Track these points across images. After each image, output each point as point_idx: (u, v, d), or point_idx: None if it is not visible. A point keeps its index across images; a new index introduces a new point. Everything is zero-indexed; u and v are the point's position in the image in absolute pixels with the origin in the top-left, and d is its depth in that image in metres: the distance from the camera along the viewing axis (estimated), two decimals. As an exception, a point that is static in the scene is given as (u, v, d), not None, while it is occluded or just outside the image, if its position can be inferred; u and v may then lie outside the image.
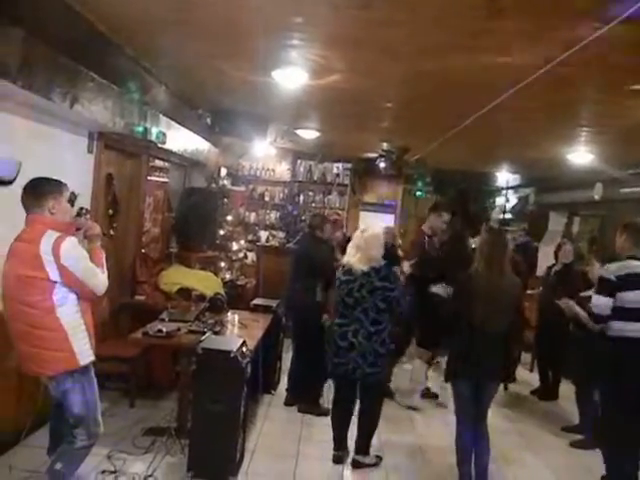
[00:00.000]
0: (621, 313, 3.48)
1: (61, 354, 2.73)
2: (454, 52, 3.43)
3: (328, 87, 4.56)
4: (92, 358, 2.88)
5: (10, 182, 3.36)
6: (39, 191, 2.77)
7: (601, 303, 3.54)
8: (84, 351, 2.80)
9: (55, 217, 2.77)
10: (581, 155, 6.56)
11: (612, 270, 3.55)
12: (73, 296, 2.78)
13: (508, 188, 10.55)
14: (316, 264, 4.79)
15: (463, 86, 4.19)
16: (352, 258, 3.86)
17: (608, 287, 3.52)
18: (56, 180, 2.88)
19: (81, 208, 3.13)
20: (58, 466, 2.84)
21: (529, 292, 5.87)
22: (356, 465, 3.91)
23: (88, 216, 3.08)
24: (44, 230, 2.69)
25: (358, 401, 3.98)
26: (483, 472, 3.51)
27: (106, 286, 2.91)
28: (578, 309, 4.11)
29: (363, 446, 3.94)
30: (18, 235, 2.76)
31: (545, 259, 6.77)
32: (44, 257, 2.63)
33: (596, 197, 7.46)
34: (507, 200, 10.64)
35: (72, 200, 4.22)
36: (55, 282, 2.67)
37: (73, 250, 2.71)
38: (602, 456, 3.66)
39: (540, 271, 6.64)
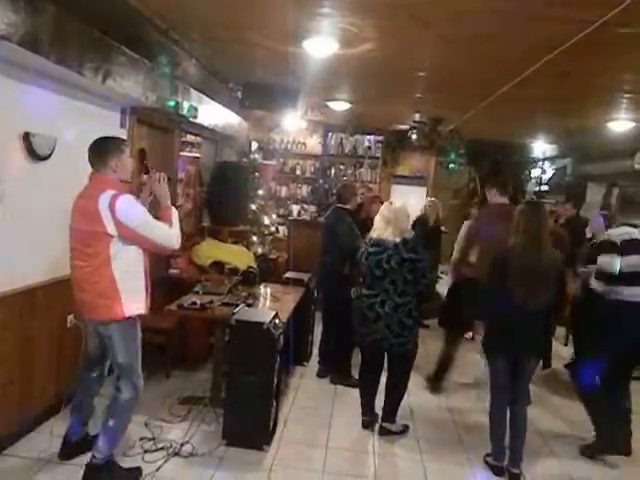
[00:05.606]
0: (625, 277, 3.64)
1: (110, 302, 2.85)
2: (489, 17, 3.31)
3: (359, 57, 4.47)
4: (140, 311, 2.97)
5: (46, 158, 3.43)
6: (102, 150, 2.92)
7: (614, 261, 3.66)
8: (131, 303, 2.90)
9: (117, 175, 2.93)
10: (622, 123, 6.35)
11: (616, 234, 3.73)
12: (132, 249, 2.89)
13: (544, 159, 10.27)
14: (339, 237, 4.74)
15: (499, 52, 4.05)
16: (384, 232, 3.83)
17: (616, 249, 3.67)
18: (117, 138, 3.05)
19: (146, 168, 3.25)
20: (111, 422, 2.97)
21: None
22: (383, 432, 3.98)
23: (156, 173, 3.14)
24: (103, 188, 2.82)
25: (386, 370, 4.02)
26: (519, 449, 3.47)
27: (177, 239, 3.02)
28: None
29: (390, 414, 4.01)
30: (80, 192, 2.91)
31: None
32: (102, 213, 2.77)
33: (637, 167, 7.23)
34: (543, 171, 10.37)
35: (143, 156, 4.30)
36: (112, 236, 2.79)
37: (127, 205, 2.82)
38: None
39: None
